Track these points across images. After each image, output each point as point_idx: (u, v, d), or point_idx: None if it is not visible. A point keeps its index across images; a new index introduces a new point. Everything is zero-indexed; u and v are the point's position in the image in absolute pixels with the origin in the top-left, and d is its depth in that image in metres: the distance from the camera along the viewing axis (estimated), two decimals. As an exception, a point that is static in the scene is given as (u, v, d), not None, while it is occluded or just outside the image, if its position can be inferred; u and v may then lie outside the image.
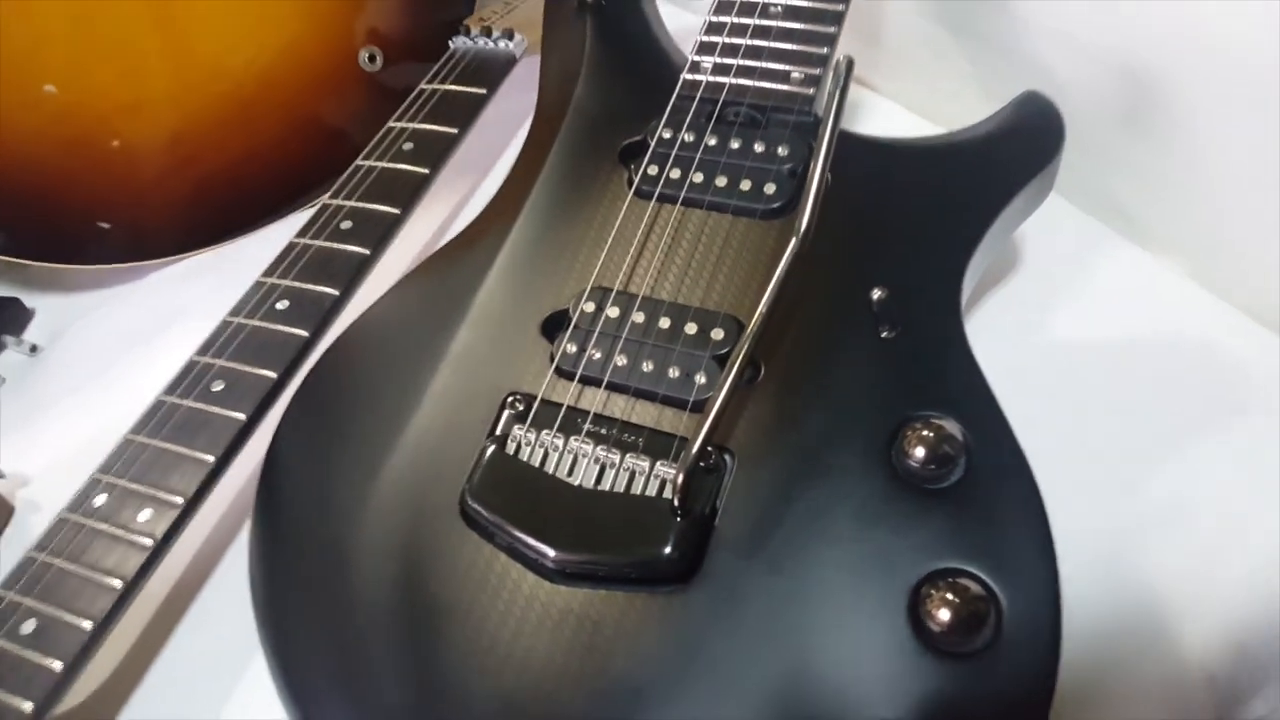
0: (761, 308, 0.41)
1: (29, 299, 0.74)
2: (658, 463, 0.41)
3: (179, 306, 0.68)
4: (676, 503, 0.38)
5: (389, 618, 0.39)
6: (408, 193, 0.59)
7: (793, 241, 0.42)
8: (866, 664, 0.35)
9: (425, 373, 0.46)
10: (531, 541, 0.39)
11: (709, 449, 0.40)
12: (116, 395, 0.59)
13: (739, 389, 0.41)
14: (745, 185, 0.49)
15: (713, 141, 0.51)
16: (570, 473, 0.42)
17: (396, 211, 0.58)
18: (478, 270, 0.50)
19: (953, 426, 0.38)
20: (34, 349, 0.71)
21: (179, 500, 0.46)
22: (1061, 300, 0.56)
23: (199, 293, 0.69)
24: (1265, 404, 0.50)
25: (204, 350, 0.53)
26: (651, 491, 0.40)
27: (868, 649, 0.35)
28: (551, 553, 0.39)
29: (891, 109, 0.70)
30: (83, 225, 0.70)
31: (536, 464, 0.42)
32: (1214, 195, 0.53)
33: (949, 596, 0.34)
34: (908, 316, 0.42)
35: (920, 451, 0.38)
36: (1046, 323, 0.55)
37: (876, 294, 0.42)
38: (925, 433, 0.38)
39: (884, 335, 0.42)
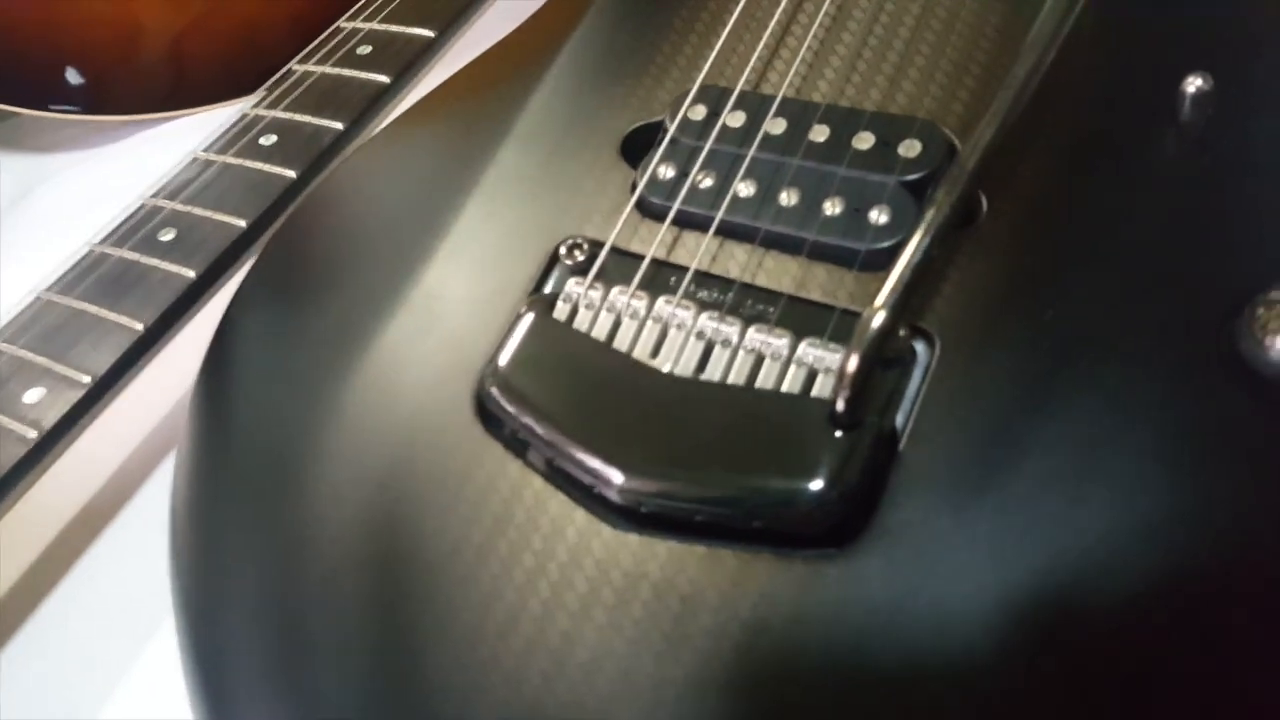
0: (998, 105, 0.28)
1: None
2: (804, 343, 0.27)
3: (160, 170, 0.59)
4: (841, 407, 0.25)
5: (360, 580, 0.28)
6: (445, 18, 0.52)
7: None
8: None
9: (441, 215, 0.36)
10: (588, 457, 0.27)
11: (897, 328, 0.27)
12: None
13: (947, 234, 0.27)
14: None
15: None
16: (656, 353, 0.29)
17: (432, 35, 0.50)
18: (527, 77, 0.39)
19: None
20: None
21: (85, 379, 0.37)
22: None
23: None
24: None
25: (159, 191, 0.45)
26: (793, 389, 0.27)
27: None
28: (620, 477, 0.26)
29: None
30: (52, 70, 0.64)
31: (601, 337, 0.30)
32: None
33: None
34: (1249, 126, 0.28)
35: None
36: None
37: (1195, 83, 0.27)
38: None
39: (1203, 158, 0.28)
